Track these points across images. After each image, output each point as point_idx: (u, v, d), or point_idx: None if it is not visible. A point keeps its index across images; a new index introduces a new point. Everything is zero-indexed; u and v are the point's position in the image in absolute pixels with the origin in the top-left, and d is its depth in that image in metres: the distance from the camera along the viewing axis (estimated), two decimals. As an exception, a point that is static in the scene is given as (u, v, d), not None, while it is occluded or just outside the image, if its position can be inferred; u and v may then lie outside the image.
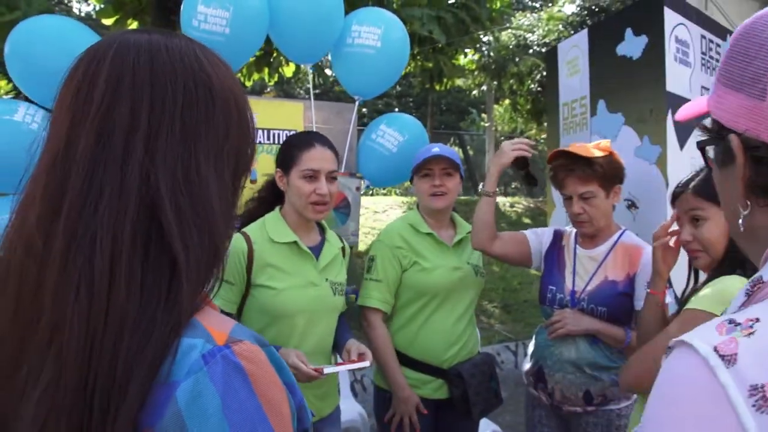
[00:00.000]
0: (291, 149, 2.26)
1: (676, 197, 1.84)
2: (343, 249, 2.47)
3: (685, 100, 3.06)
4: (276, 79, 10.47)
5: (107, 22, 8.92)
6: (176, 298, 0.72)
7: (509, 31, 12.93)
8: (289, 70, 9.15)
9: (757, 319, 0.65)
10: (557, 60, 3.79)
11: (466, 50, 12.43)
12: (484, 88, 15.38)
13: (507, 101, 15.85)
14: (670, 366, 0.67)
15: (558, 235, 2.64)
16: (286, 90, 23.21)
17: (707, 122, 0.82)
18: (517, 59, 12.74)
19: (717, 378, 0.61)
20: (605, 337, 2.35)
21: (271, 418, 0.71)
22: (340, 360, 2.29)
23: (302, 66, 3.50)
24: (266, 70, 9.36)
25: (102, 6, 8.80)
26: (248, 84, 11.17)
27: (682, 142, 3.03)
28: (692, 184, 1.79)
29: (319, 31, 3.20)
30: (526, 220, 11.95)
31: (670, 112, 2.93)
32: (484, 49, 13.10)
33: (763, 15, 0.74)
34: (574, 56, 3.62)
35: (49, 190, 0.74)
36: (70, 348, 0.68)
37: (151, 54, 0.78)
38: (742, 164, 0.73)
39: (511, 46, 12.75)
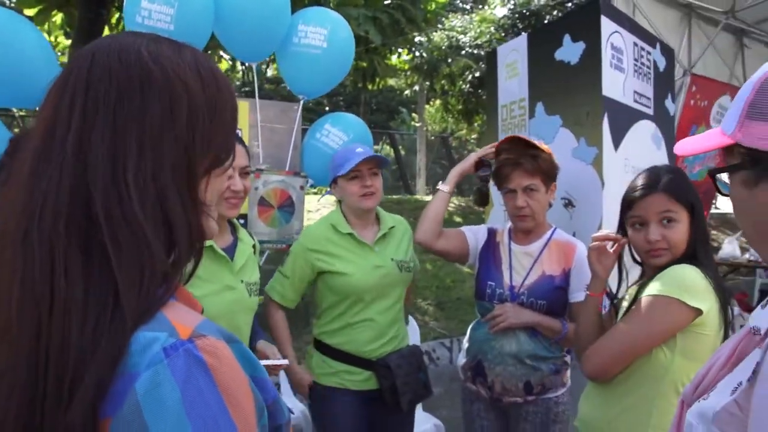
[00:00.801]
0: None
1: (641, 198, 1.91)
2: (254, 246, 2.42)
3: (619, 104, 3.21)
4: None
5: (29, 12, 8.57)
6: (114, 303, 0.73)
7: (442, 32, 13.10)
8: (221, 68, 9.00)
9: None
10: (497, 63, 3.89)
11: (400, 50, 12.52)
12: (416, 88, 15.54)
13: (438, 101, 16.06)
14: None
15: (492, 233, 2.73)
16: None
17: (743, 150, 0.96)
18: (449, 60, 12.93)
19: None
20: (544, 329, 2.46)
21: (233, 412, 0.72)
22: None
23: (237, 64, 3.47)
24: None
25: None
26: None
27: (616, 144, 3.17)
28: (661, 186, 1.86)
29: (266, 29, 3.19)
30: (458, 219, 12.14)
31: (605, 115, 3.06)
32: (416, 49, 13.22)
33: None
34: (514, 60, 3.72)
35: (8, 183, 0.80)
36: (21, 335, 0.71)
37: (93, 55, 0.81)
38: None
39: (443, 47, 12.94)
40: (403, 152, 21.11)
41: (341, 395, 2.59)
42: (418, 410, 4.00)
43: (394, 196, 13.94)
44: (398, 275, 2.65)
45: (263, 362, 2.14)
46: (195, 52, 0.87)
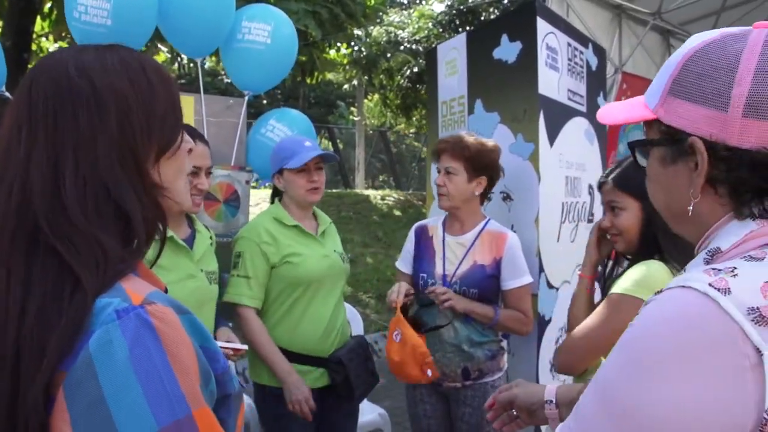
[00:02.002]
0: None
1: (600, 187, 2.03)
2: (211, 238, 2.50)
3: (554, 102, 3.36)
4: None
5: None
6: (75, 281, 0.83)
7: (381, 27, 13.19)
8: (159, 59, 8.86)
9: (735, 267, 0.82)
10: (437, 60, 3.99)
11: (339, 45, 12.55)
12: (355, 82, 15.59)
13: (377, 96, 16.15)
14: (671, 302, 0.82)
15: (420, 230, 2.87)
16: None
17: (663, 127, 0.97)
18: (388, 55, 13.04)
19: (719, 304, 0.77)
20: (478, 316, 2.59)
21: (177, 372, 0.80)
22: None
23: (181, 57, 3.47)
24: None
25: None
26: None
27: (552, 140, 3.32)
28: (612, 176, 1.98)
29: (210, 25, 3.20)
30: (397, 212, 12.28)
31: (541, 112, 3.20)
32: (355, 44, 13.26)
33: (713, 41, 0.92)
34: (453, 57, 3.83)
35: None
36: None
37: (32, 80, 0.91)
38: (705, 161, 0.89)
39: (382, 42, 13.03)
40: (341, 146, 21.15)
41: None
42: (363, 401, 4.10)
43: (334, 191, 13.99)
44: (341, 266, 2.74)
45: (220, 344, 2.19)
46: (123, 54, 0.96)
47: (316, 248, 2.65)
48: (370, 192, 13.78)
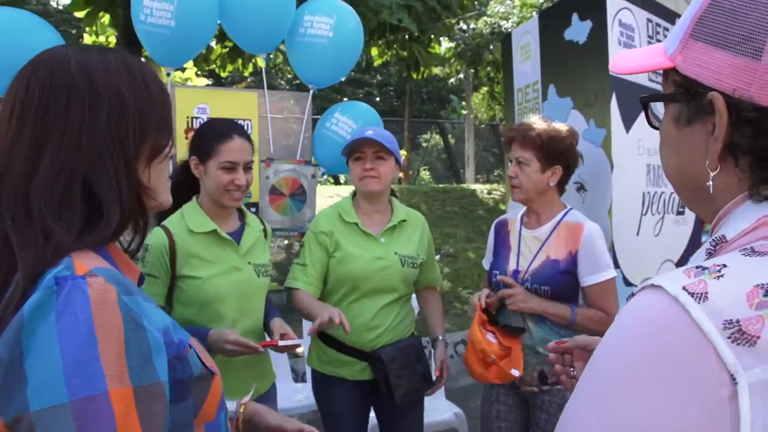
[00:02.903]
0: (209, 140, 2.29)
1: None
2: (264, 231, 2.52)
3: (631, 84, 3.12)
4: (251, 69, 10.45)
5: (79, 14, 8.87)
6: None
7: (484, 18, 12.95)
8: (261, 61, 9.14)
9: (725, 265, 0.67)
10: (511, 46, 3.83)
11: (441, 38, 12.43)
12: (461, 76, 15.42)
13: (485, 89, 15.90)
14: (636, 307, 0.68)
15: (500, 225, 2.71)
16: (268, 80, 23.13)
17: (678, 78, 0.80)
18: (491, 47, 12.78)
19: (689, 313, 0.62)
20: (552, 316, 2.39)
21: (102, 347, 0.80)
22: (268, 339, 2.34)
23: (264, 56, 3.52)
24: (240, 60, 9.34)
25: (72, -1, 8.72)
26: (224, 75, 11.15)
27: (628, 125, 3.08)
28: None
29: (272, 21, 3.23)
30: (503, 207, 12.02)
31: (614, 95, 2.99)
32: (458, 37, 13.10)
33: None
34: (527, 42, 3.66)
35: None
36: None
37: (31, 73, 0.95)
38: (726, 124, 0.73)
39: (485, 34, 12.79)
40: (453, 141, 21.02)
41: (337, 383, 2.60)
42: (441, 399, 4.01)
43: (441, 185, 13.91)
44: (399, 270, 2.61)
45: (281, 342, 2.21)
46: (126, 59, 1.01)
47: (370, 248, 2.59)
48: (477, 186, 13.59)
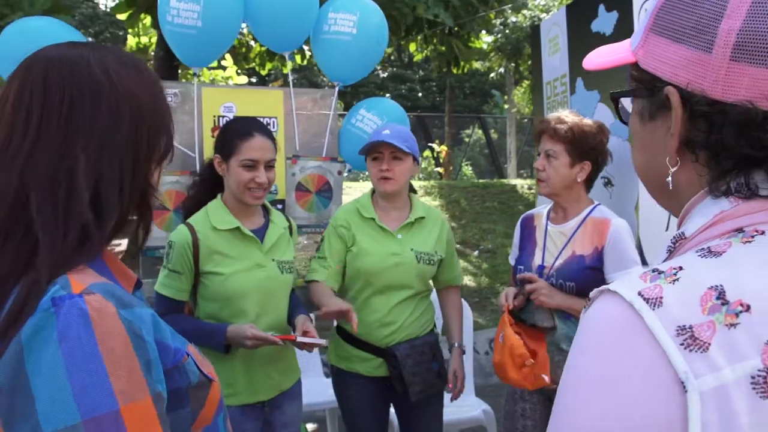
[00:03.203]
0: (231, 138, 2.33)
1: None
2: (290, 228, 2.55)
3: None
4: (289, 67, 10.52)
5: (121, 17, 9.08)
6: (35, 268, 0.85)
7: (524, 11, 12.80)
8: (296, 59, 9.20)
9: (681, 267, 0.66)
10: (540, 38, 3.79)
11: (480, 33, 12.33)
12: (502, 70, 15.27)
13: (526, 83, 15.72)
14: (593, 314, 0.67)
15: (526, 220, 2.68)
16: (308, 77, 23.32)
17: (637, 73, 0.80)
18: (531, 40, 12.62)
19: (643, 319, 0.62)
20: (576, 312, 2.35)
21: (108, 365, 0.80)
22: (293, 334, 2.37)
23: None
24: (277, 57, 9.43)
25: (117, 2, 8.94)
26: (263, 72, 11.27)
27: (655, 118, 3.02)
28: None
29: (296, 19, 3.26)
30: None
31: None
32: (498, 31, 12.98)
33: None
34: (555, 34, 3.61)
35: None
36: None
37: (47, 70, 0.92)
38: (680, 118, 0.72)
39: (525, 27, 12.64)
40: (495, 136, 20.85)
41: (354, 378, 2.62)
42: (470, 396, 3.98)
43: (482, 180, 13.81)
44: (414, 266, 2.60)
45: (300, 339, 2.24)
46: (137, 62, 1.01)
47: (386, 244, 2.60)
48: (518, 182, 13.44)
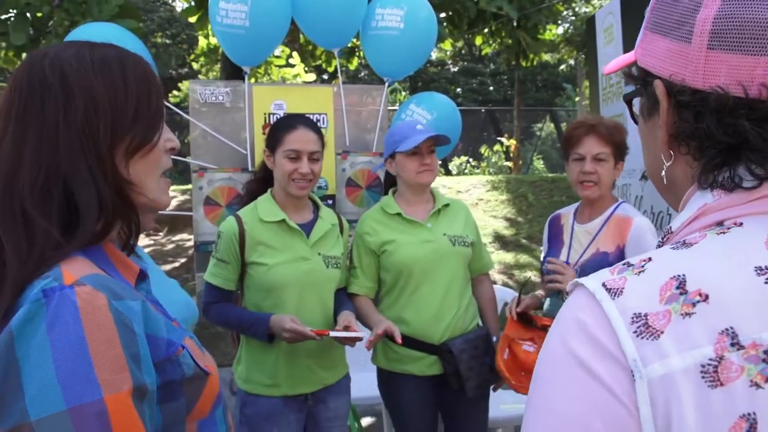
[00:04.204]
0: (276, 131, 2.43)
1: None
2: (340, 225, 2.59)
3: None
4: (355, 63, 10.62)
5: (192, 19, 9.38)
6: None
7: (594, 1, 12.47)
8: (356, 60, 9.28)
9: (650, 259, 0.68)
10: (595, 28, 3.70)
11: (548, 24, 12.09)
12: (572, 62, 14.93)
13: (599, 74, 15.30)
14: (565, 305, 0.71)
15: (554, 220, 2.69)
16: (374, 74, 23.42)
17: (633, 71, 0.81)
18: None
19: (602, 308, 0.65)
20: None
21: (94, 355, 0.82)
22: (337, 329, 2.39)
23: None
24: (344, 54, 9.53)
25: (187, 5, 9.24)
26: (330, 69, 11.43)
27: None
28: None
29: (343, 16, 3.28)
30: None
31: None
32: (568, 22, 12.69)
33: None
34: (610, 24, 3.52)
35: None
36: None
37: (15, 74, 0.97)
38: (666, 110, 0.73)
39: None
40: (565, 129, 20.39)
41: (406, 381, 2.60)
42: (508, 390, 3.91)
43: (550, 175, 13.55)
44: (450, 249, 2.61)
45: (333, 333, 2.27)
46: (106, 53, 1.01)
47: (417, 233, 2.61)
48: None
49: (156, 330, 0.96)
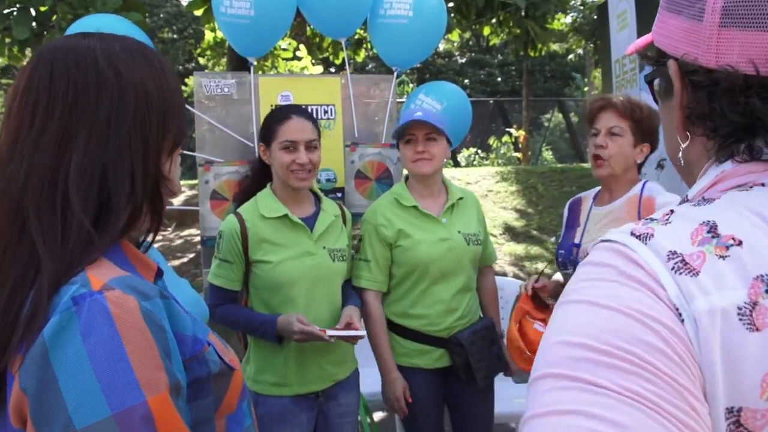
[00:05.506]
0: (270, 123, 2.35)
1: None
2: (343, 216, 2.53)
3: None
4: (362, 55, 10.56)
5: (197, 13, 9.32)
6: (39, 267, 0.85)
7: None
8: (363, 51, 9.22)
9: (672, 212, 0.68)
10: (608, 14, 3.62)
11: (556, 13, 11.99)
12: (580, 51, 14.81)
13: (607, 63, 15.18)
14: (588, 260, 0.68)
15: (574, 203, 2.60)
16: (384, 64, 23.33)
17: (651, 52, 0.80)
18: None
19: (636, 252, 0.63)
20: None
21: (132, 359, 0.81)
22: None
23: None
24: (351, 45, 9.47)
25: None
26: (337, 62, 11.36)
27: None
28: None
29: (349, 5, 3.22)
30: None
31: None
32: (576, 11, 12.58)
33: None
34: (623, 9, 3.44)
35: None
36: None
37: (52, 63, 0.92)
38: (680, 90, 0.72)
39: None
40: (576, 119, 20.27)
41: (415, 374, 2.56)
42: (522, 384, 3.89)
43: (559, 165, 13.47)
44: (465, 248, 2.56)
45: (331, 332, 2.22)
46: (146, 51, 1.00)
47: (433, 230, 2.54)
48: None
49: (183, 327, 0.95)
